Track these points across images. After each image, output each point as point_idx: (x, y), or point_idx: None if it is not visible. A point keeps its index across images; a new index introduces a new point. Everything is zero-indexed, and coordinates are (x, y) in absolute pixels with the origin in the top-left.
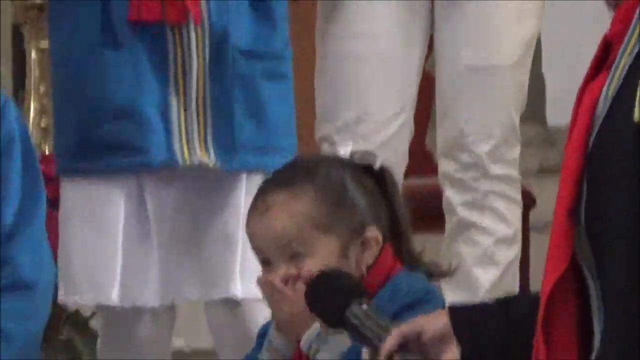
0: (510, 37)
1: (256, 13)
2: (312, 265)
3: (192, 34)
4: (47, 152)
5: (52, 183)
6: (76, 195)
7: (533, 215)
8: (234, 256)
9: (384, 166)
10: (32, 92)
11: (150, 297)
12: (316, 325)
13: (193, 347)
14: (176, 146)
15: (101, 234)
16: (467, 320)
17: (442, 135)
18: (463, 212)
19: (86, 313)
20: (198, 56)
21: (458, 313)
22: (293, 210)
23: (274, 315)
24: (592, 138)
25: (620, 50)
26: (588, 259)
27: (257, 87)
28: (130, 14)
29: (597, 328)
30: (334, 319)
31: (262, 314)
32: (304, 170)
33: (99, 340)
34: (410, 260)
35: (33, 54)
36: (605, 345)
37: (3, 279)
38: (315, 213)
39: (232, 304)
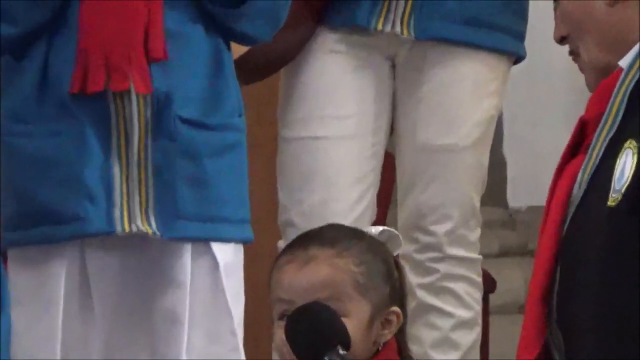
0: (468, 117)
1: (207, 81)
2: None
3: (134, 100)
4: None
5: None
6: (20, 269)
7: (493, 298)
8: (181, 335)
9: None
10: None
11: None
12: None
13: None
14: (116, 214)
15: (41, 313)
16: None
17: (402, 215)
18: (422, 295)
19: None
20: (140, 122)
21: None
22: (338, 266)
23: None
24: (566, 223)
25: (596, 134)
26: (559, 345)
27: (201, 159)
28: (73, 86)
29: None
30: (310, 358)
31: None
32: (350, 232)
33: None
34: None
35: None
36: None
37: None
38: (358, 274)
39: None
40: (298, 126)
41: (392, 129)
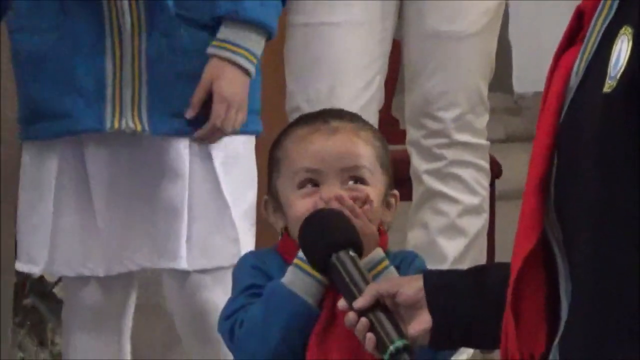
0: (476, 4)
1: None
2: (371, 193)
3: None
4: None
5: None
6: (27, 160)
7: (499, 184)
8: (181, 227)
9: None
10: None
11: (93, 267)
12: (379, 250)
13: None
14: (107, 111)
15: (37, 202)
16: (440, 287)
17: (409, 102)
18: (429, 181)
19: (52, 279)
20: (132, 17)
21: (432, 280)
22: (365, 138)
23: None
24: (563, 111)
25: (593, 21)
26: (557, 235)
27: (196, 54)
28: None
29: (564, 304)
30: (321, 259)
31: (209, 285)
32: (357, 115)
33: (63, 307)
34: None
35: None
36: (572, 321)
37: None
38: (379, 148)
39: (181, 275)
40: (306, 12)
41: (400, 16)
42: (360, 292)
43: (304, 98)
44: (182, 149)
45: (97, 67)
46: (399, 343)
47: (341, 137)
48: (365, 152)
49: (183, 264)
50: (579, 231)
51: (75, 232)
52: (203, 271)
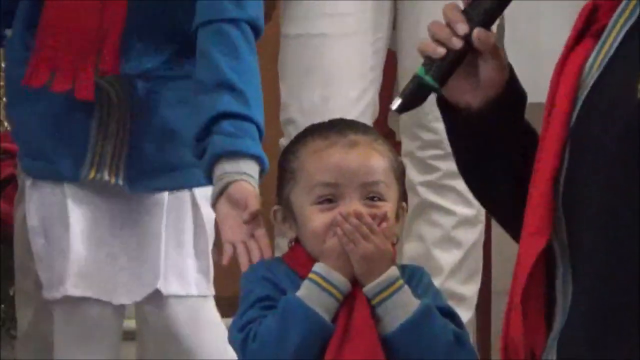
0: None
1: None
2: (388, 210)
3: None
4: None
5: (14, 159)
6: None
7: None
8: (158, 253)
9: None
10: None
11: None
12: (395, 270)
13: None
14: (86, 162)
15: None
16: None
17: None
18: (424, 192)
19: None
20: (115, 93)
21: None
22: (381, 151)
23: (355, 249)
24: (577, 107)
25: (613, 20)
26: (559, 232)
27: (162, 109)
28: (24, 80)
29: (559, 302)
30: None
31: (184, 311)
32: (365, 124)
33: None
34: None
35: None
36: (573, 320)
37: None
38: (394, 160)
39: (157, 300)
40: (298, 23)
41: (394, 26)
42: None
43: (298, 109)
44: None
45: (84, 122)
46: (428, 79)
47: (360, 151)
48: (382, 166)
49: (162, 288)
50: (584, 231)
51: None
52: (178, 297)
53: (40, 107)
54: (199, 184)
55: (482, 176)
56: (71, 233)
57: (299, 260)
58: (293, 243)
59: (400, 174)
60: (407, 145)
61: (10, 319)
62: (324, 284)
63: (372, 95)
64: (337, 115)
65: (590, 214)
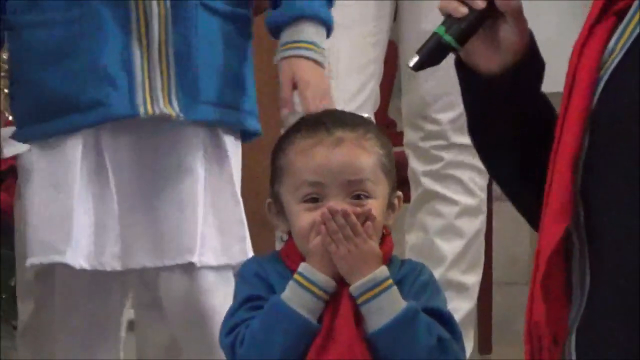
0: None
1: None
2: (375, 207)
3: None
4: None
5: None
6: (40, 155)
7: (496, 184)
8: (193, 221)
9: None
10: None
11: (110, 260)
12: (383, 269)
13: None
14: (139, 98)
15: (56, 194)
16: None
17: (406, 104)
18: (426, 182)
19: None
20: (159, 6)
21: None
22: (367, 148)
23: (336, 250)
24: (599, 89)
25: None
26: (576, 217)
27: (220, 45)
28: None
29: (576, 290)
30: None
31: (217, 284)
32: (357, 117)
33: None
34: None
35: None
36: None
37: None
38: (382, 156)
39: (188, 272)
40: None
41: (395, 17)
42: None
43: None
44: (197, 142)
45: (125, 56)
46: (448, 38)
47: (344, 149)
48: (368, 163)
49: (194, 260)
50: (606, 215)
51: (96, 225)
52: (210, 268)
53: (72, 54)
54: (250, 128)
55: (490, 139)
56: (113, 193)
57: (293, 256)
58: (288, 236)
59: (390, 168)
60: (409, 135)
61: (11, 310)
62: (307, 285)
63: (372, 87)
64: (337, 107)
65: (611, 199)
